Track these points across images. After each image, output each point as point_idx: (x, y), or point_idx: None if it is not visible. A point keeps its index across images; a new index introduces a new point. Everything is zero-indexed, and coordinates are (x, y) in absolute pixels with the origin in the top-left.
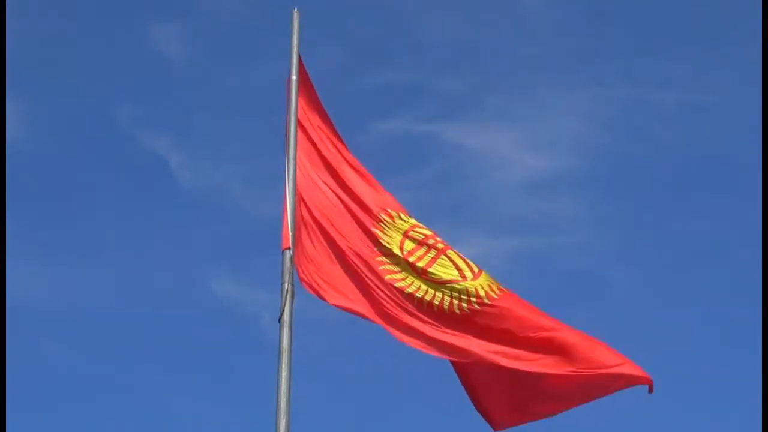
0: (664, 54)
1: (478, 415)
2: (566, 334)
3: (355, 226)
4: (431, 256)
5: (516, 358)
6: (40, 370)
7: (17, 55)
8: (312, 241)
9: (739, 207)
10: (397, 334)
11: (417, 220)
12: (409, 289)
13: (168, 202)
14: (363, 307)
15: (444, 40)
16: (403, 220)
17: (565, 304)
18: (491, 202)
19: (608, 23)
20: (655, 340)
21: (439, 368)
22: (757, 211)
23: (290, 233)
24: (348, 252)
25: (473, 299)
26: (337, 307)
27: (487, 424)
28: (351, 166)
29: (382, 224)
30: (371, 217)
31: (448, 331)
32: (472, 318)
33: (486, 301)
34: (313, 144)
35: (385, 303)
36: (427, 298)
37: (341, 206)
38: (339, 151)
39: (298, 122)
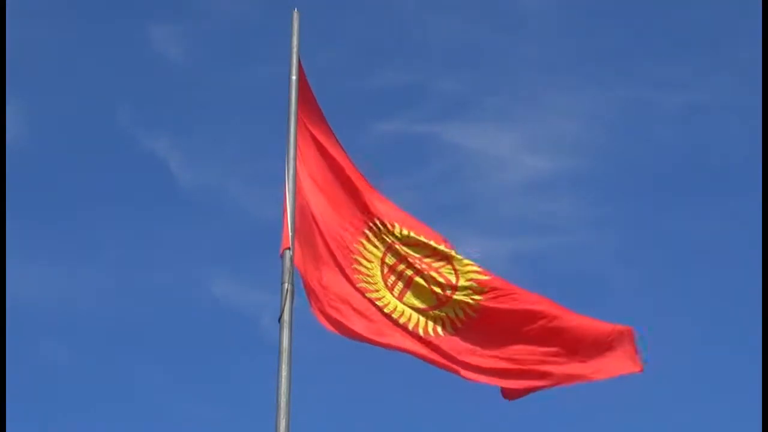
0: (663, 55)
1: (478, 414)
2: (560, 322)
3: (339, 230)
4: (405, 280)
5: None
6: (40, 370)
7: (17, 55)
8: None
9: (739, 208)
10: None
11: (406, 234)
12: (381, 304)
13: (168, 203)
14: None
15: (444, 41)
16: (391, 234)
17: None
18: (491, 202)
19: (608, 24)
20: (655, 340)
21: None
22: (757, 211)
23: (290, 233)
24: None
25: (447, 328)
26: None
27: (487, 424)
28: (345, 170)
29: (365, 235)
30: (355, 228)
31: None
32: (447, 340)
33: (459, 325)
34: (312, 146)
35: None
36: (402, 320)
37: (330, 207)
38: (334, 156)
39: (299, 123)
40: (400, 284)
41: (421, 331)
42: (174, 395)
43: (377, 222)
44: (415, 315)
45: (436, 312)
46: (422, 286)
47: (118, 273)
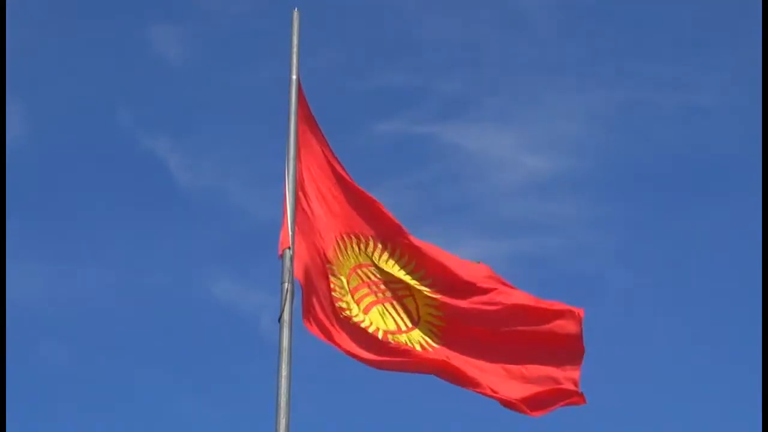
0: (663, 56)
1: (477, 415)
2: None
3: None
4: (370, 300)
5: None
6: (40, 371)
7: (17, 56)
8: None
9: (739, 208)
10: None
11: (385, 255)
12: (347, 314)
13: (167, 203)
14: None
15: (444, 42)
16: (362, 253)
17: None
18: (490, 203)
19: (607, 25)
20: (654, 341)
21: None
22: (757, 212)
23: (290, 233)
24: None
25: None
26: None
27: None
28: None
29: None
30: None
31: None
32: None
33: (419, 350)
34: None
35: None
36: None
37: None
38: (330, 163)
39: (299, 123)
40: (367, 300)
41: (390, 339)
42: (174, 395)
43: (354, 235)
44: (381, 330)
45: (400, 336)
46: (389, 310)
47: (118, 273)
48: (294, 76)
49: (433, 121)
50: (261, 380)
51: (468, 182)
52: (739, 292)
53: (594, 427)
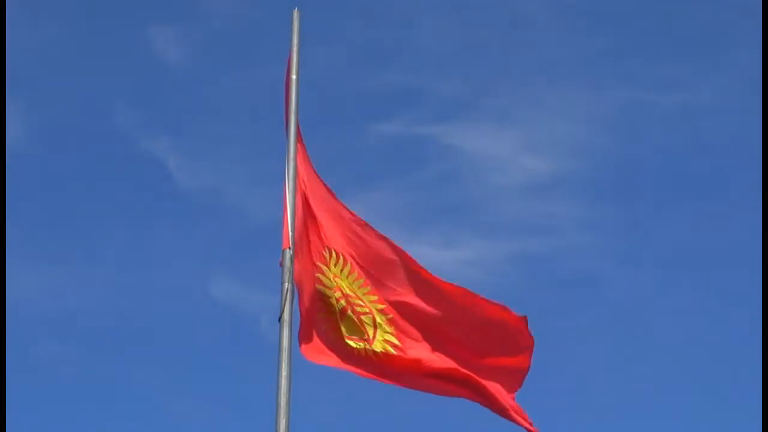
0: (663, 56)
1: (476, 415)
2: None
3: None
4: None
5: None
6: (40, 371)
7: (17, 57)
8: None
9: (739, 209)
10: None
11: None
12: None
13: (167, 204)
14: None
15: (443, 43)
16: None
17: (564, 306)
18: (490, 204)
19: (607, 26)
20: (653, 341)
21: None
22: (757, 213)
23: (290, 233)
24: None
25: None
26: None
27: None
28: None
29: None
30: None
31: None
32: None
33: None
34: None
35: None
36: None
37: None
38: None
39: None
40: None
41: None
42: (174, 395)
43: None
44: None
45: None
46: (353, 320)
47: (117, 273)
48: (294, 76)
49: (433, 122)
50: (261, 380)
51: (467, 183)
52: (739, 293)
53: (594, 427)
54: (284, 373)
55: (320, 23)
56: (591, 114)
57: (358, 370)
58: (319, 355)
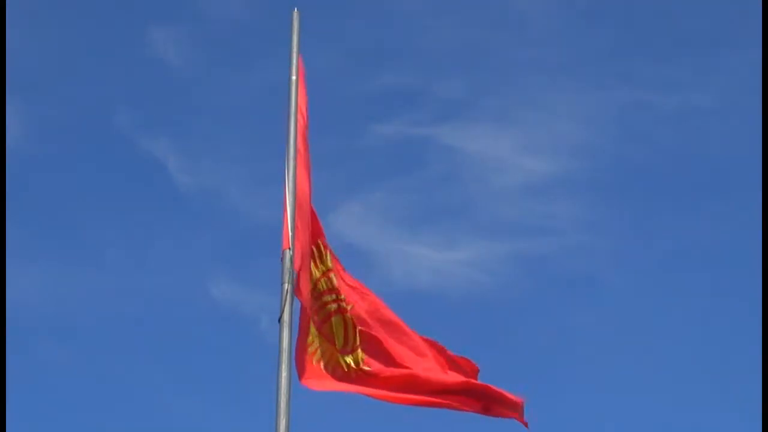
0: (663, 57)
1: (475, 414)
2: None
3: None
4: (330, 310)
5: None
6: (40, 371)
7: (17, 56)
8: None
9: (738, 210)
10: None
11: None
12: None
13: (167, 204)
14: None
15: (443, 43)
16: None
17: (563, 306)
18: (489, 205)
19: (607, 26)
20: (653, 342)
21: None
22: (757, 213)
23: (290, 233)
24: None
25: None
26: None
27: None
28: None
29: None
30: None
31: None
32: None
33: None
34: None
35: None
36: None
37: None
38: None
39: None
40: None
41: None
42: (174, 396)
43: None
44: (319, 352)
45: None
46: (340, 325)
47: (117, 274)
48: (294, 77)
49: (432, 123)
50: (261, 380)
51: (466, 184)
52: (739, 294)
53: (594, 426)
54: (284, 373)
55: (320, 23)
56: (591, 114)
57: (363, 389)
58: (319, 381)
